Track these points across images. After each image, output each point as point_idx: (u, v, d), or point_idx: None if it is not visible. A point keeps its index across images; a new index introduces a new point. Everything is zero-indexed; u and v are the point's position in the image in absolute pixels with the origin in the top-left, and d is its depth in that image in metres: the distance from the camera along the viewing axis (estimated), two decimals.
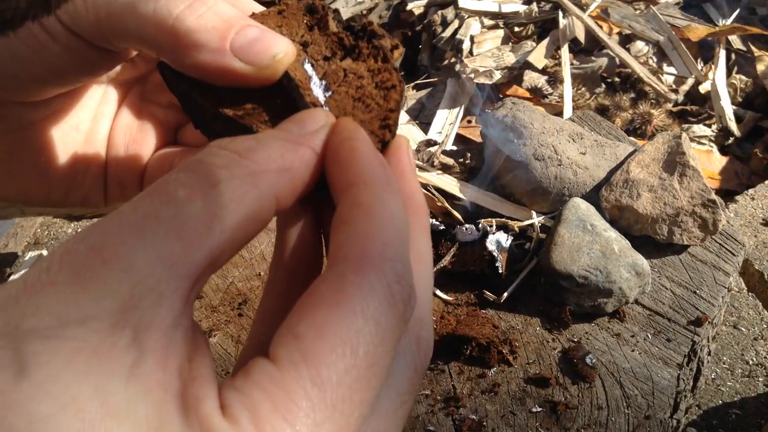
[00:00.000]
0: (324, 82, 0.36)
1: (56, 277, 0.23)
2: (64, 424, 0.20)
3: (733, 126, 1.67)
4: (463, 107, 1.66)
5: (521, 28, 1.86)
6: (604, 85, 1.76)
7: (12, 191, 0.41)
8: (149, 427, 0.21)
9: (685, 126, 1.69)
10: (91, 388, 0.21)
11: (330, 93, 0.35)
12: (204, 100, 0.35)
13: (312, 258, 0.34)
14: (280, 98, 0.35)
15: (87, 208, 0.45)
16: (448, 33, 1.82)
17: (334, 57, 0.37)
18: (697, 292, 0.95)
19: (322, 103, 0.35)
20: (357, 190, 0.29)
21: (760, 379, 1.09)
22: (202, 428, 0.22)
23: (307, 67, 0.36)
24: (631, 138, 1.22)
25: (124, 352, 0.22)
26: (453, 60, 1.78)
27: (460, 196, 1.09)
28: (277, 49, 0.33)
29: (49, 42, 0.34)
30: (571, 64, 1.73)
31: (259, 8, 0.38)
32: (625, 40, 1.82)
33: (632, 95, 1.72)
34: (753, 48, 1.83)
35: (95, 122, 0.44)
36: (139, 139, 0.44)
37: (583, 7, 1.82)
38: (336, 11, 0.38)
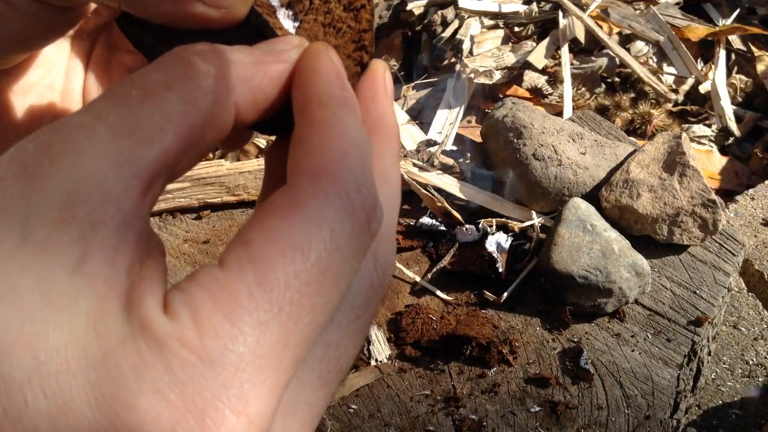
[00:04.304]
0: (290, 12, 0.35)
1: (5, 173, 0.22)
2: (2, 313, 0.20)
3: (733, 126, 1.67)
4: (463, 107, 1.66)
5: (521, 28, 1.86)
6: (604, 85, 1.76)
7: None
8: (89, 319, 0.21)
9: (685, 126, 1.69)
10: (31, 280, 0.21)
11: (299, 23, 0.34)
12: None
13: None
14: (250, 36, 0.34)
15: None
16: (448, 33, 1.82)
17: None
18: (697, 292, 0.95)
19: (293, 34, 0.34)
20: (311, 108, 0.28)
21: (760, 379, 1.09)
22: (141, 323, 0.21)
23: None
24: (631, 138, 1.22)
25: (70, 247, 0.21)
26: (453, 60, 1.78)
27: (460, 196, 1.09)
28: None
29: (8, 10, 0.33)
30: (571, 64, 1.73)
31: None
32: (625, 40, 1.82)
33: (632, 95, 1.72)
34: (753, 48, 1.83)
35: (68, 79, 0.43)
36: None
37: (583, 7, 1.82)
38: None
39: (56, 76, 0.43)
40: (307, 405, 0.26)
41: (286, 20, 0.35)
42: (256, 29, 0.33)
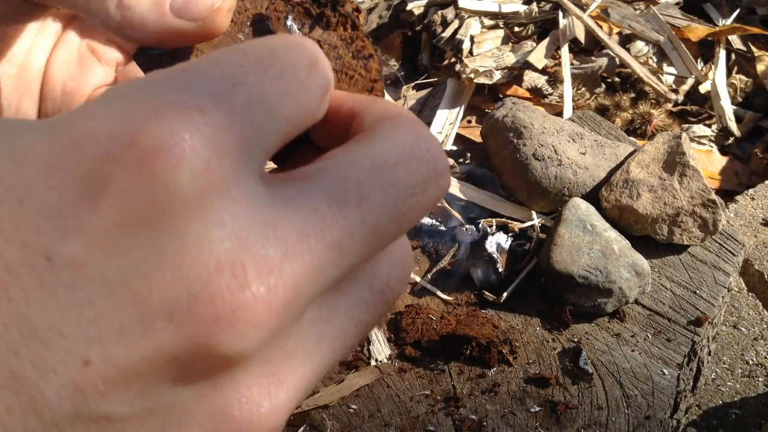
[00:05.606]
0: None
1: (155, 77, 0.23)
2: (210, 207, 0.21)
3: (733, 126, 1.67)
4: (463, 107, 1.66)
5: (521, 28, 1.86)
6: (604, 85, 1.76)
7: None
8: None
9: (685, 126, 1.69)
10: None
11: None
12: None
13: None
14: None
15: None
16: (448, 33, 1.82)
17: (304, 28, 0.37)
18: (697, 292, 0.95)
19: None
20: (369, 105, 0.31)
21: (760, 379, 1.09)
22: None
23: (290, 24, 0.36)
24: (631, 138, 1.22)
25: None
26: (453, 60, 1.78)
27: (460, 196, 1.09)
28: None
29: None
30: (571, 64, 1.73)
31: None
32: (625, 40, 1.81)
33: (632, 95, 1.72)
34: (753, 48, 1.83)
35: (29, 55, 0.43)
36: (78, 75, 0.44)
37: (583, 7, 1.82)
38: None
39: (18, 50, 0.42)
40: (341, 331, 0.27)
41: None
42: None
